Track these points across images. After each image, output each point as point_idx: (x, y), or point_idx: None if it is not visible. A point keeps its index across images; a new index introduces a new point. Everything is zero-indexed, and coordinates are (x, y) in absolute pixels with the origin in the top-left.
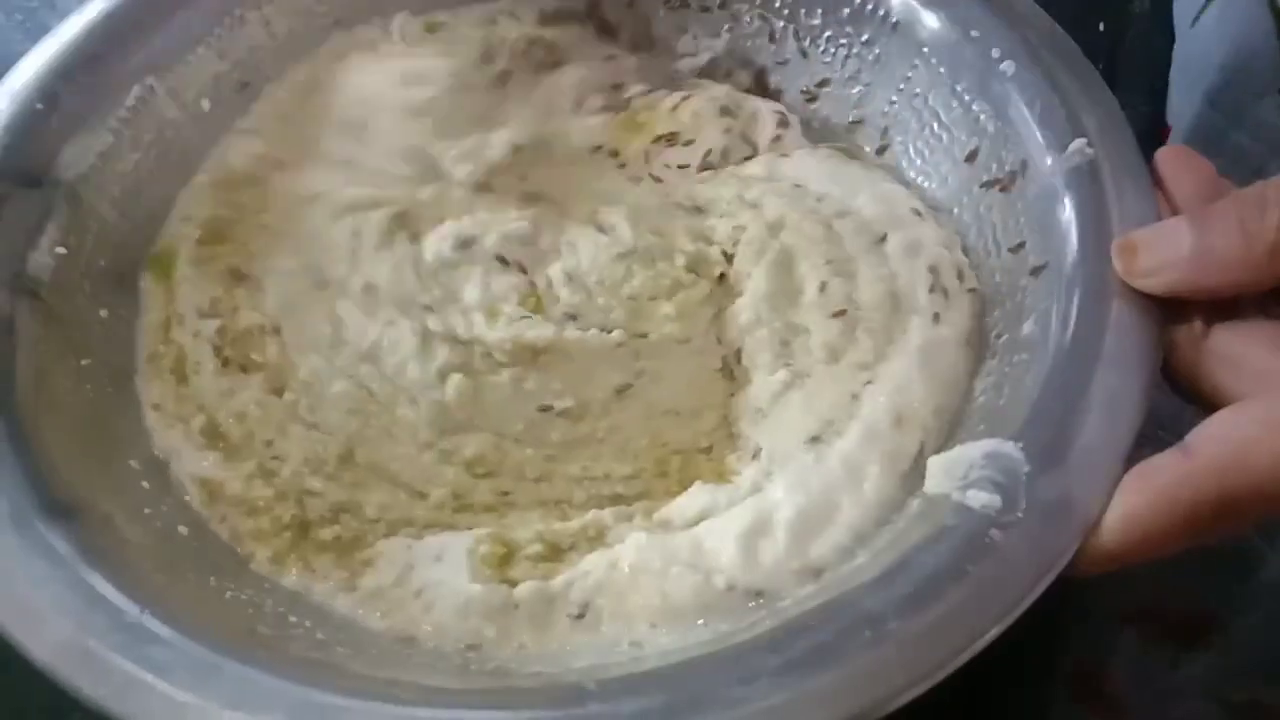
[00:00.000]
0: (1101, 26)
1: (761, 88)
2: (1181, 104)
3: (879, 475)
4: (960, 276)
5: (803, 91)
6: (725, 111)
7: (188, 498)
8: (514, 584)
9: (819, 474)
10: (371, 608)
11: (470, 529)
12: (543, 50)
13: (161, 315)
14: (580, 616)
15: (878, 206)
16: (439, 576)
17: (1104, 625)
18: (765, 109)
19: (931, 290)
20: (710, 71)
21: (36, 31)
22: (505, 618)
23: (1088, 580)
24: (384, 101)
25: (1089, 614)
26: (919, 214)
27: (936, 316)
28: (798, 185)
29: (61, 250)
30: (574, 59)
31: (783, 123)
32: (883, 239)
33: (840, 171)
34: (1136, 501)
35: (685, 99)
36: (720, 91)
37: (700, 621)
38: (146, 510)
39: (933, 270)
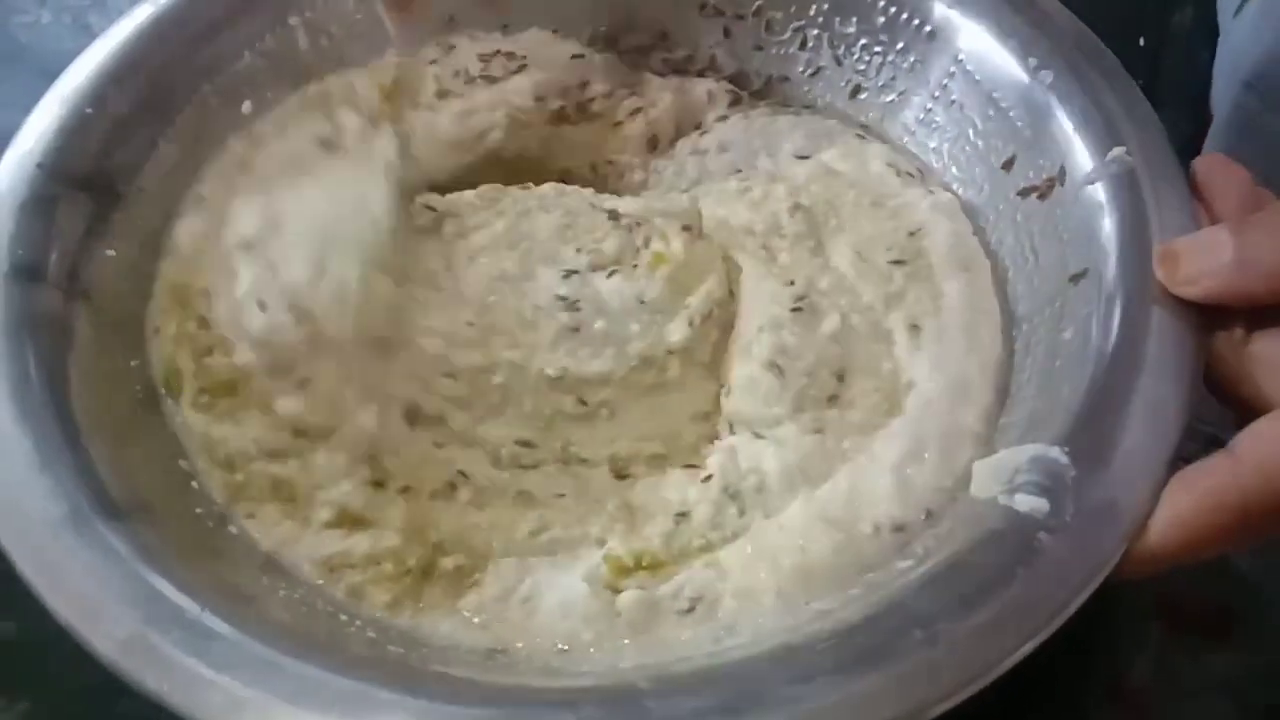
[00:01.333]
0: (1142, 41)
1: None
2: (1221, 93)
3: (989, 330)
4: (923, 173)
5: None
6: (651, 144)
7: (316, 582)
8: (619, 591)
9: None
10: (470, 625)
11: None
12: (504, 59)
13: (211, 456)
14: (689, 610)
15: (807, 140)
16: (552, 580)
17: (1128, 621)
18: (718, 89)
19: (899, 175)
20: (684, 66)
21: (81, 32)
22: (605, 623)
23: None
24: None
25: (1115, 610)
26: (861, 136)
27: (931, 191)
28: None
29: (110, 253)
30: (536, 63)
31: (735, 101)
32: (807, 157)
33: (768, 127)
34: (1183, 504)
35: (633, 114)
36: (668, 98)
37: (823, 593)
38: (198, 510)
39: (890, 165)
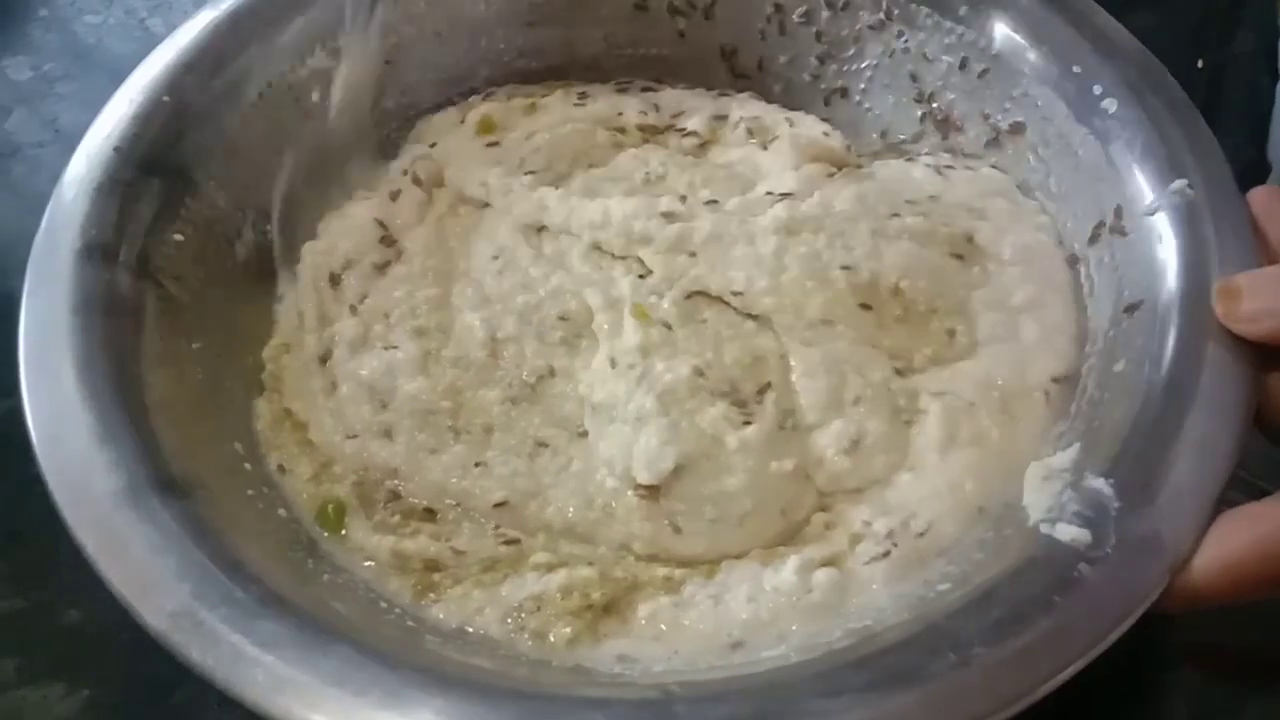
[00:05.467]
0: (1200, 63)
1: None
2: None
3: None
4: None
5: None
6: None
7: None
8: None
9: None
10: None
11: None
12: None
13: (402, 568)
14: (886, 554)
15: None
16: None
17: (1163, 667)
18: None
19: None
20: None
21: (144, 34)
22: (788, 599)
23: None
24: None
25: (1149, 654)
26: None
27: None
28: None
29: (179, 237)
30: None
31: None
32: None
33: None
34: (1232, 544)
35: None
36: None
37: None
38: (249, 492)
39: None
